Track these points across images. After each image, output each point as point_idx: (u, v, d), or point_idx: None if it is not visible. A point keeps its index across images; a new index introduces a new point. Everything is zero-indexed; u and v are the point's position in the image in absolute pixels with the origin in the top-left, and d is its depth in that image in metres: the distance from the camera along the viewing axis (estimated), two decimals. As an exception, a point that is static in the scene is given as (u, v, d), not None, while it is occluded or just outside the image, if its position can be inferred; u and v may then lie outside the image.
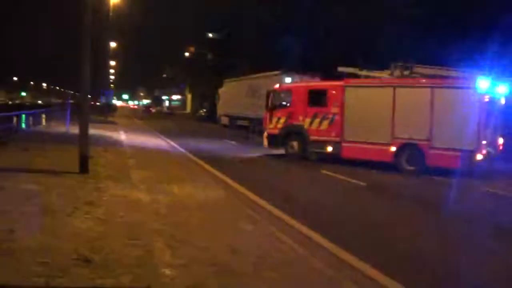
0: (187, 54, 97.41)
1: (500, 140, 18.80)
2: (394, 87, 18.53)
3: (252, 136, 34.82)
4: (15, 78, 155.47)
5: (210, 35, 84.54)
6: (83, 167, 13.48)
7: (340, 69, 23.69)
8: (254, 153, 23.36)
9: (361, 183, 15.41)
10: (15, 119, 27.33)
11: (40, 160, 15.27)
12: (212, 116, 60.47)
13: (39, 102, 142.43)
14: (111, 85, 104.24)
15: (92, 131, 15.53)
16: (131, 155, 17.82)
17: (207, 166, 16.98)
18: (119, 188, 11.53)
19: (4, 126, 23.93)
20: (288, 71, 35.27)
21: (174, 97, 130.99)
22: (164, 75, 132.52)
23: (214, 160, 18.44)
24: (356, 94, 19.74)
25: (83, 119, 13.81)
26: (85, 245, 7.09)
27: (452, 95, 17.10)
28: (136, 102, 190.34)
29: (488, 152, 17.34)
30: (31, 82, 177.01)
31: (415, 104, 17.84)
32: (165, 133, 33.19)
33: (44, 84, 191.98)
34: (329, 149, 20.08)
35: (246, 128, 41.39)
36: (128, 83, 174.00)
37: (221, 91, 53.38)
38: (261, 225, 9.17)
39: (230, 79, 50.61)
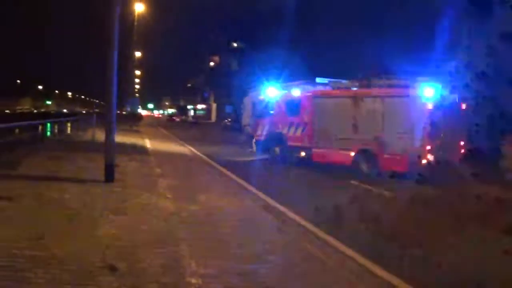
0: (212, 63, 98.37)
1: (461, 144, 19.49)
2: (352, 98, 20.10)
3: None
4: (40, 87, 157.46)
5: (235, 44, 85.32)
6: (109, 176, 13.55)
7: (318, 79, 25.18)
8: (278, 163, 23.32)
9: (395, 195, 15.01)
10: (40, 127, 27.64)
11: (66, 168, 15.40)
12: (237, 125, 60.54)
13: (64, 110, 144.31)
14: (136, 94, 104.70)
15: (117, 139, 15.60)
16: (156, 164, 17.87)
17: (232, 175, 16.92)
18: (145, 196, 11.56)
19: (29, 134, 24.22)
20: (308, 80, 35.45)
21: (199, 106, 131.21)
22: (189, 85, 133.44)
23: (240, 169, 18.39)
24: (323, 104, 21.62)
25: (109, 128, 13.89)
26: (111, 253, 7.11)
27: (399, 103, 18.49)
28: (161, 111, 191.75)
29: (439, 156, 18.05)
30: (56, 91, 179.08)
31: (369, 113, 19.33)
32: (190, 141, 33.17)
33: (69, 93, 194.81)
34: (303, 154, 22.09)
35: None
36: (153, 92, 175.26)
37: (246, 100, 53.70)
38: (291, 238, 9.09)
39: (255, 89, 50.89)
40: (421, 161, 17.80)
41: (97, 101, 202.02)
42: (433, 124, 18.04)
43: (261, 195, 13.28)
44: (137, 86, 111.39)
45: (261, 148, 24.82)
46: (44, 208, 9.59)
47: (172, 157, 21.66)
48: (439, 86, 19.14)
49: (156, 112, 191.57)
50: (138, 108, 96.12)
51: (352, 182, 16.88)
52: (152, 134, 42.53)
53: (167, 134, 44.93)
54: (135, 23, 46.95)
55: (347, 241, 8.74)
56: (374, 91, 19.83)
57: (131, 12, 46.32)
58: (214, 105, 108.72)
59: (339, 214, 11.08)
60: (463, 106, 19.84)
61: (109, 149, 13.73)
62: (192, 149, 27.03)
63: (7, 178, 12.90)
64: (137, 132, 41.39)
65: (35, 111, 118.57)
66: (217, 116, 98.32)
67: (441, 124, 18.27)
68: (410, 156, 17.84)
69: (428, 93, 18.07)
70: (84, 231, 8.17)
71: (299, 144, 22.48)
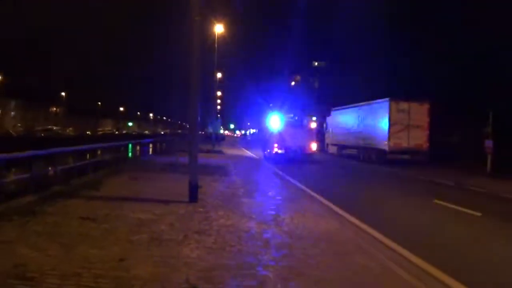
0: (293, 83, 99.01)
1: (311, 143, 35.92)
2: None
3: (360, 165, 34.24)
4: (121, 109, 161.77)
5: (316, 63, 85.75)
6: (193, 196, 13.77)
7: None
8: (366, 183, 23.02)
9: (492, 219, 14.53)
10: (122, 148, 28.56)
11: (150, 189, 15.79)
12: (319, 145, 58.20)
13: (146, 132, 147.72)
14: (218, 114, 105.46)
15: (200, 160, 15.86)
16: (239, 185, 18.01)
17: (317, 196, 16.81)
18: (229, 217, 11.64)
19: (112, 156, 25.04)
20: (395, 98, 35.64)
21: None
22: (271, 104, 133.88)
23: (324, 190, 18.24)
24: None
25: (192, 149, 14.17)
26: (195, 274, 7.19)
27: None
28: (242, 131, 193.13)
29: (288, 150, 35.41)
30: (138, 113, 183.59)
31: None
32: (273, 161, 33.67)
33: (151, 114, 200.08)
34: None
35: (355, 158, 41.25)
36: (235, 112, 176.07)
37: (328, 119, 53.08)
38: (385, 266, 8.91)
39: (338, 107, 50.08)
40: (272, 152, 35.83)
41: (179, 122, 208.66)
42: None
43: (339, 210, 13.23)
44: (218, 107, 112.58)
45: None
46: (128, 229, 9.86)
47: (254, 177, 21.71)
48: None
49: (238, 132, 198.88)
50: (220, 128, 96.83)
51: (436, 201, 16.79)
52: (234, 154, 42.82)
53: (249, 154, 45.26)
54: (216, 44, 47.51)
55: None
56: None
57: (212, 34, 47.19)
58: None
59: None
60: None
61: (193, 169, 13.98)
62: (277, 169, 27.08)
63: (92, 199, 13.38)
64: (219, 152, 42.30)
65: (116, 132, 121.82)
66: None
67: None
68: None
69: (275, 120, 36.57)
70: (167, 252, 8.31)
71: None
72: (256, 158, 38.15)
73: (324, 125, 53.18)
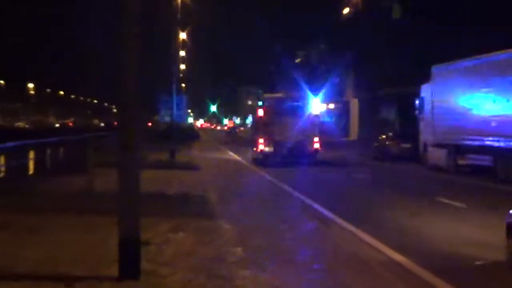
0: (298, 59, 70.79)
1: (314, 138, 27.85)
2: None
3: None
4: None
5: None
6: (128, 267, 6.61)
7: None
8: None
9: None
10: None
11: (32, 251, 8.08)
12: (412, 149, 30.79)
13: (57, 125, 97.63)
14: (183, 89, 62.58)
15: (149, 183, 11.33)
16: (232, 237, 10.07)
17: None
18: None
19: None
20: None
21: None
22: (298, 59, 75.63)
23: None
24: None
25: (126, 163, 6.73)
26: None
27: None
28: (235, 121, 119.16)
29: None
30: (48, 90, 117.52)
31: None
32: (273, 170, 24.26)
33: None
34: None
35: (490, 175, 21.28)
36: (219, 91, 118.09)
37: (426, 91, 27.82)
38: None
39: (453, 63, 25.27)
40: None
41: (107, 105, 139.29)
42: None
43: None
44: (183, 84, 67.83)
45: None
46: None
47: (262, 221, 12.93)
48: None
49: (227, 123, 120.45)
50: (187, 116, 62.35)
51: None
52: (214, 162, 30.66)
53: (240, 162, 31.79)
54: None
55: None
56: None
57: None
58: (354, 103, 58.72)
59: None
60: None
61: (128, 206, 6.62)
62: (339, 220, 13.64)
63: None
64: (187, 166, 25.66)
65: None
66: (360, 126, 55.16)
67: None
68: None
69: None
70: None
71: None
72: (256, 172, 25.40)
73: (416, 105, 29.03)
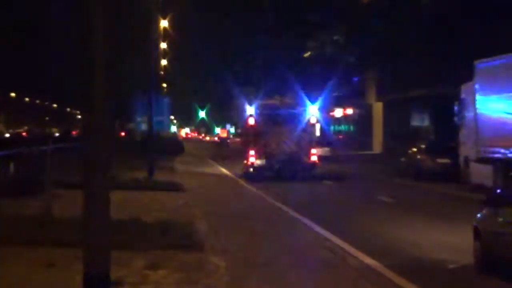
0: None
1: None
2: None
3: None
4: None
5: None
6: None
7: None
8: None
9: None
10: None
11: None
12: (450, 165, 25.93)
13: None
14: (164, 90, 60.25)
15: (118, 210, 8.97)
16: (224, 276, 8.56)
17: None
18: None
19: None
20: None
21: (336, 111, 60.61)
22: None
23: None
24: None
25: (93, 182, 5.59)
26: None
27: None
28: (231, 129, 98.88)
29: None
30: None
31: None
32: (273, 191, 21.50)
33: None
34: None
35: None
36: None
37: (468, 92, 23.36)
38: None
39: (497, 57, 21.13)
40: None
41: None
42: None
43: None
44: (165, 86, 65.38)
45: None
46: None
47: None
48: None
49: (218, 132, 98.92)
50: (170, 124, 58.03)
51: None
52: (204, 182, 26.70)
53: (235, 182, 27.81)
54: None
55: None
56: None
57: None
58: (378, 108, 50.37)
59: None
60: None
61: (95, 237, 5.67)
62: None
63: None
64: (171, 189, 21.32)
65: None
66: (386, 136, 46.48)
67: None
68: None
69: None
70: None
71: None
72: (251, 191, 22.94)
73: (458, 110, 24.87)
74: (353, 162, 36.26)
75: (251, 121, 27.17)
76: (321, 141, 30.11)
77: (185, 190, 21.16)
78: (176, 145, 51.89)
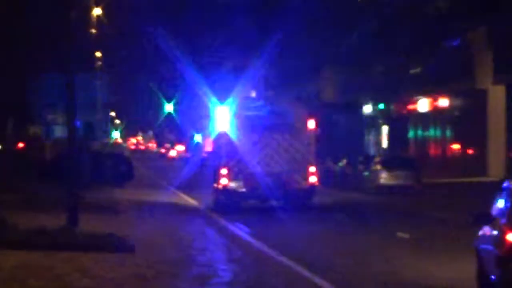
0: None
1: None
2: None
3: None
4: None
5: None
6: None
7: None
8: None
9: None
10: None
11: None
12: None
13: None
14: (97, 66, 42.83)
15: None
16: None
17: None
18: None
19: None
20: None
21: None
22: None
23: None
24: None
25: None
26: None
27: None
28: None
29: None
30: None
31: None
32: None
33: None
34: None
35: None
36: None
37: None
38: None
39: None
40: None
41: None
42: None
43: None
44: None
45: None
46: None
47: None
48: None
49: (197, 139, 58.48)
50: (108, 125, 43.09)
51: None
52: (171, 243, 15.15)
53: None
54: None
55: None
56: None
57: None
58: (495, 94, 32.22)
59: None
60: None
61: None
62: None
63: None
64: (107, 248, 12.31)
65: None
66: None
67: None
68: None
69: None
70: None
71: None
72: (236, 239, 15.76)
73: None
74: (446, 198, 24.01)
75: (223, 126, 20.15)
76: (387, 160, 22.43)
77: (131, 249, 12.20)
78: (119, 165, 30.16)
